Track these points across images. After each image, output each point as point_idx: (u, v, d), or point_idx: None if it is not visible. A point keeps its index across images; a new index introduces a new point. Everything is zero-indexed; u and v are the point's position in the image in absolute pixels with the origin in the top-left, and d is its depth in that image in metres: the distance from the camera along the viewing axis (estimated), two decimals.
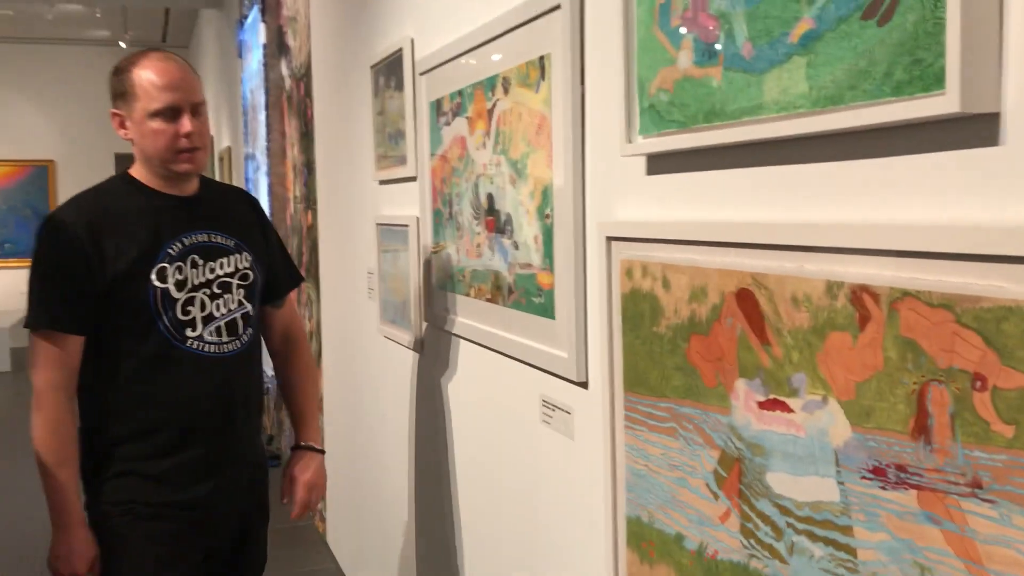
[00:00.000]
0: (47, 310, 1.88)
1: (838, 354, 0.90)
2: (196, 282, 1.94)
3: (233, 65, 6.56)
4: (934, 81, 0.76)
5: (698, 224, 1.13)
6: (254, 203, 2.22)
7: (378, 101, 2.63)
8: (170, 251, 1.92)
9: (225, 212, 2.07)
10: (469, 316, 1.96)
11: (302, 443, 2.19)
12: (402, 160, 2.41)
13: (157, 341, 1.90)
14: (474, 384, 2.01)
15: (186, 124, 1.90)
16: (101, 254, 1.87)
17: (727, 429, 1.09)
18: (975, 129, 0.77)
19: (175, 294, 1.91)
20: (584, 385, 1.47)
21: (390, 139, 2.52)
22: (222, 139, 7.90)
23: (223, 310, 1.98)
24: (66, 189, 10.11)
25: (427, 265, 2.25)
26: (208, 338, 1.95)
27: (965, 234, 0.76)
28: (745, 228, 1.04)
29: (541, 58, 1.53)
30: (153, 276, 1.90)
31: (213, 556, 2.04)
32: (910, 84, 0.79)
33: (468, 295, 1.95)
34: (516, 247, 1.68)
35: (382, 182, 2.68)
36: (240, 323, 2.00)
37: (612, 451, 1.34)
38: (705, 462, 1.13)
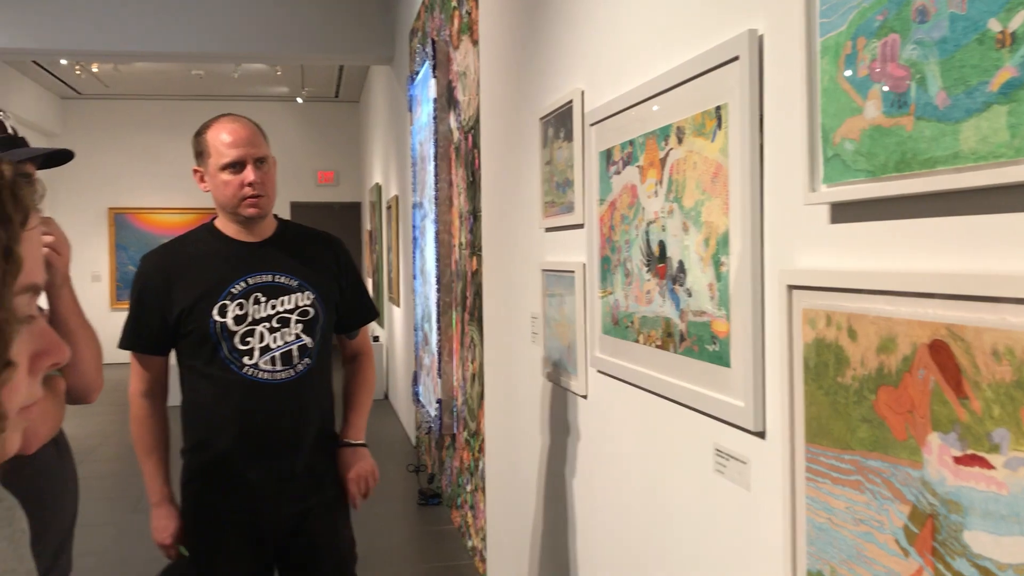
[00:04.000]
0: (129, 335, 2.32)
1: None
2: (257, 316, 2.26)
3: (403, 118, 6.87)
4: None
5: (888, 274, 1.11)
6: (336, 248, 2.48)
7: (546, 151, 2.70)
8: (233, 290, 2.26)
9: (295, 255, 2.36)
10: (637, 362, 1.97)
11: (343, 440, 2.47)
12: (569, 208, 2.46)
13: (219, 365, 2.25)
14: (642, 431, 2.01)
15: (249, 174, 2.22)
16: (169, 293, 2.26)
17: (919, 484, 1.06)
18: None
19: (232, 327, 2.24)
20: (761, 435, 1.45)
21: (557, 188, 2.58)
22: (390, 188, 8.26)
23: (280, 342, 2.27)
24: None
25: (593, 311, 2.28)
26: (263, 367, 2.26)
27: None
28: (939, 278, 1.01)
29: (717, 108, 1.55)
30: (215, 311, 2.24)
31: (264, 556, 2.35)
32: None
33: (637, 341, 1.96)
34: (689, 294, 1.69)
35: (548, 229, 2.74)
36: (296, 354, 2.29)
37: (792, 503, 1.32)
38: (894, 517, 1.10)
